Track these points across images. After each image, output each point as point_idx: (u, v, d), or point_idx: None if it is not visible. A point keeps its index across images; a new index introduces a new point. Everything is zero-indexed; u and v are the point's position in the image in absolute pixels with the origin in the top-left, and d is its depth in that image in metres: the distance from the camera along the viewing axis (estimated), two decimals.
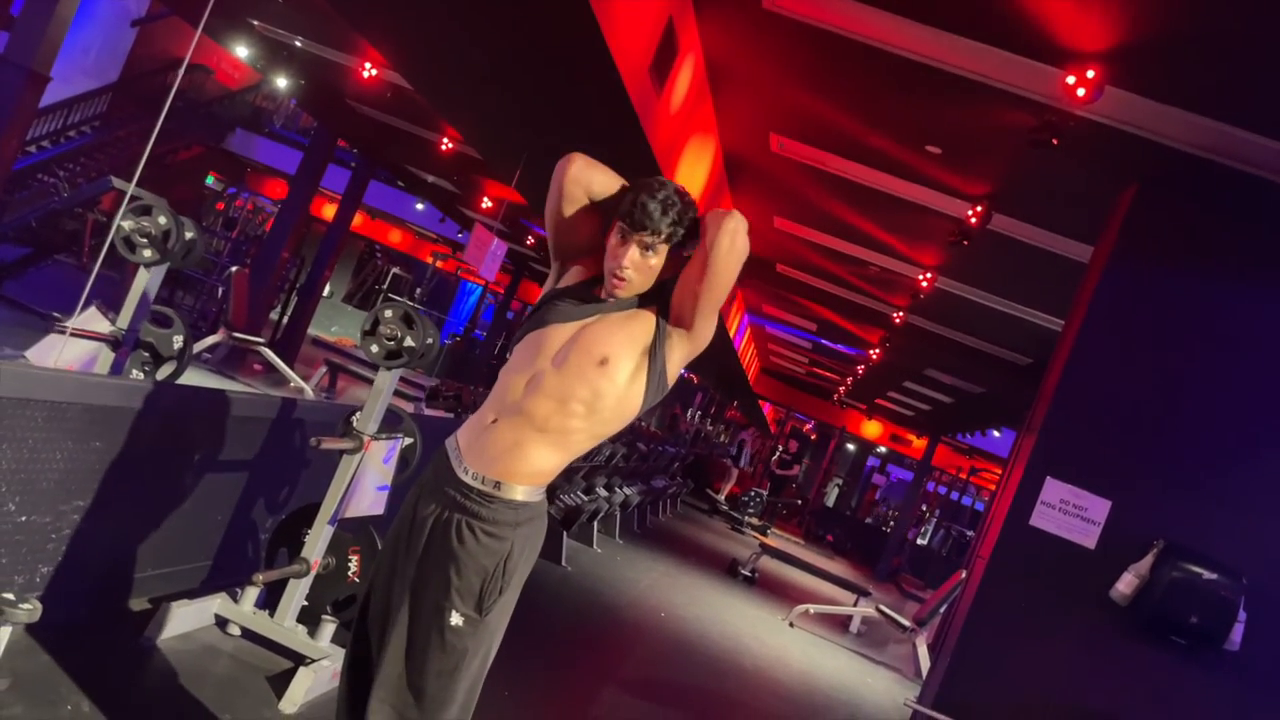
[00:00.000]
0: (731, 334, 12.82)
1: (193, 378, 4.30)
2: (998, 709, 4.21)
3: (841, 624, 9.67)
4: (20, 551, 2.89)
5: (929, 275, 7.54)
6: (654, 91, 4.68)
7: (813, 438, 29.27)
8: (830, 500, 28.34)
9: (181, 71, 4.50)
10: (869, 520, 25.40)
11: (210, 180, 21.34)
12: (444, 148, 9.80)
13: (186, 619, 3.45)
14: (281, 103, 19.35)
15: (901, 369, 13.11)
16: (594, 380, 2.13)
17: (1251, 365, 4.47)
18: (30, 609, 2.68)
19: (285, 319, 13.56)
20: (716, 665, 6.32)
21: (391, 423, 3.85)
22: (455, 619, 2.12)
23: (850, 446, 29.44)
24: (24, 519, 2.86)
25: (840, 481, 30.14)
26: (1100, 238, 4.87)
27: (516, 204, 10.23)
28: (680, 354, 2.20)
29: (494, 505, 2.14)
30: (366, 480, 3.58)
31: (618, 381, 2.14)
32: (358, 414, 3.63)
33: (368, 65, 8.06)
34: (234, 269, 11.11)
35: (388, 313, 3.58)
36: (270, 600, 3.61)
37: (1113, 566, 4.30)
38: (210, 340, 9.90)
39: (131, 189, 3.70)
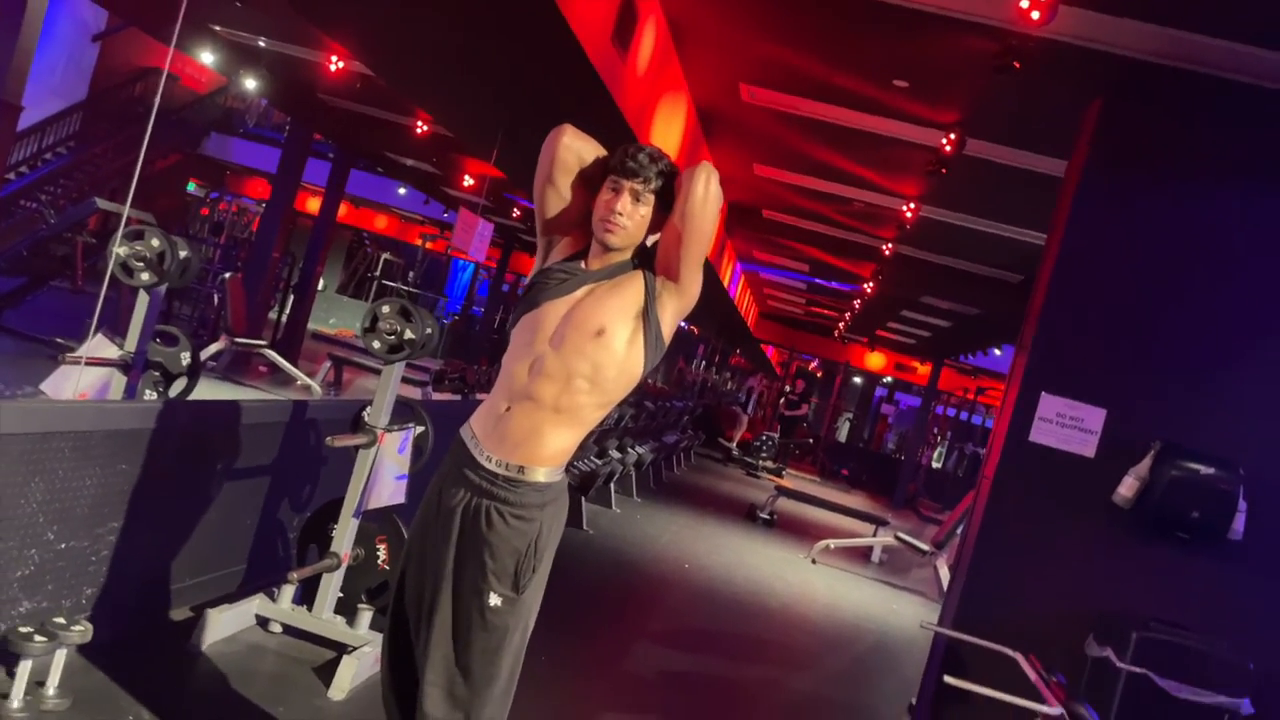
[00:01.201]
0: (726, 284, 12.89)
1: (201, 387, 4.41)
2: (1015, 621, 4.35)
3: (863, 555, 9.85)
4: (64, 576, 3.03)
5: (912, 206, 7.61)
6: (619, 58, 4.73)
7: (818, 375, 29.45)
8: (842, 435, 28.58)
9: (162, 83, 4.55)
10: (892, 448, 25.62)
11: (191, 187, 21.31)
12: (419, 131, 9.82)
13: (229, 622, 3.60)
14: (252, 102, 19.27)
15: (897, 299, 13.20)
16: (593, 354, 2.22)
17: (1230, 264, 4.56)
18: (81, 630, 2.84)
19: (284, 318, 13.66)
20: (743, 609, 6.50)
21: (402, 413, 3.96)
22: (494, 599, 2.23)
23: (857, 380, 29.58)
24: (63, 546, 3.00)
25: (850, 415, 30.36)
26: (1072, 153, 4.93)
27: (498, 180, 10.26)
28: (673, 310, 2.28)
29: (520, 489, 2.24)
30: (384, 472, 3.71)
31: (616, 350, 2.23)
32: (368, 409, 3.74)
33: (334, 59, 8.08)
34: (227, 275, 11.18)
35: (385, 308, 3.68)
36: (306, 595, 3.75)
37: (1113, 472, 4.41)
38: (213, 348, 10.07)
39: (126, 210, 3.80)
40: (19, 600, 2.87)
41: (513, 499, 2.24)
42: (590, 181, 2.28)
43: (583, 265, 2.31)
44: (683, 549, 7.86)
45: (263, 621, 3.75)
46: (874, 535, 10.02)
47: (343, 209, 19.96)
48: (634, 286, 2.27)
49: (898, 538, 9.52)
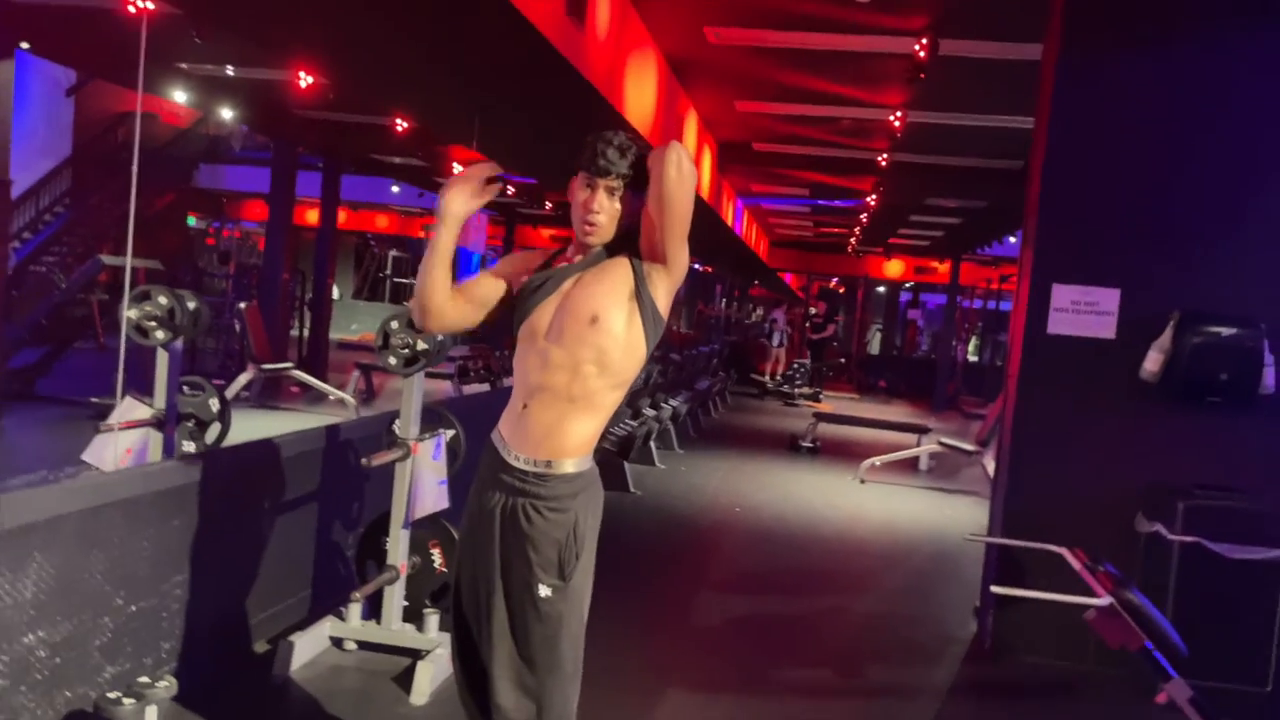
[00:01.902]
0: (730, 222, 12.85)
1: (239, 419, 4.54)
2: (1063, 513, 4.39)
3: (911, 466, 9.91)
4: (141, 636, 3.16)
5: (899, 114, 7.53)
6: (576, 29, 4.71)
7: (840, 290, 29.29)
8: (874, 347, 28.48)
9: (136, 129, 4.61)
10: (927, 349, 25.51)
11: (192, 221, 21.46)
12: (399, 129, 9.83)
13: (305, 648, 3.74)
14: (234, 128, 19.28)
15: (903, 206, 13.09)
16: (592, 339, 2.27)
17: (1226, 114, 4.49)
18: (166, 685, 2.97)
19: (305, 335, 13.81)
20: (798, 542, 6.60)
21: (431, 420, 4.05)
22: (544, 590, 2.31)
23: (881, 289, 29.39)
24: (134, 608, 3.13)
25: (879, 326, 30.23)
26: (1046, 33, 4.86)
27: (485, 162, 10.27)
28: (664, 288, 2.33)
29: (550, 482, 2.31)
30: (424, 480, 3.81)
31: (615, 333, 2.28)
32: (398, 422, 3.83)
33: (302, 74, 8.08)
34: (242, 305, 11.32)
35: (394, 323, 3.76)
36: (373, 609, 3.88)
37: (1137, 349, 4.41)
38: (243, 379, 10.24)
39: (129, 263, 3.88)
40: (102, 668, 3.01)
41: (545, 493, 2.31)
42: (496, 286, 2.43)
43: (562, 263, 2.37)
44: (731, 493, 7.97)
45: (337, 641, 3.89)
46: (918, 445, 10.07)
47: (343, 216, 20.00)
48: (620, 270, 2.31)
49: (941, 443, 9.57)
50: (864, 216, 13.93)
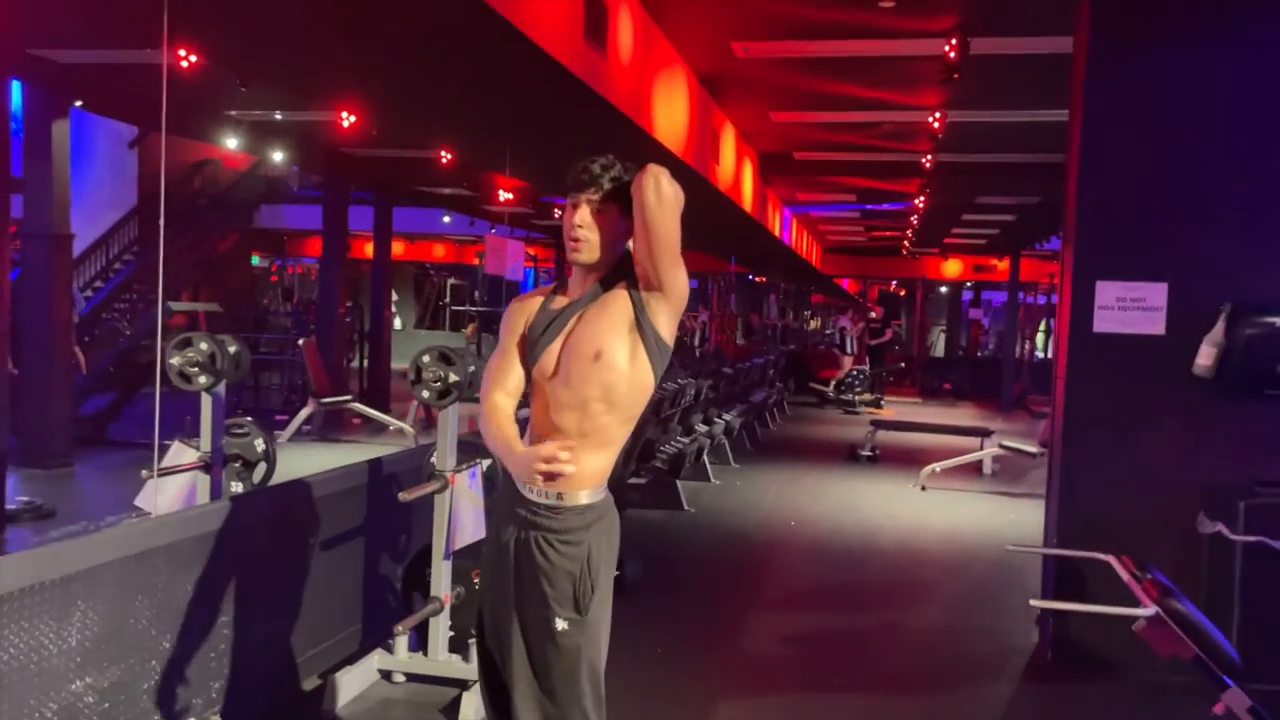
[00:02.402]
0: (776, 231, 12.78)
1: (300, 451, 4.64)
2: (1120, 517, 4.25)
3: (975, 471, 9.71)
4: (190, 678, 3.23)
5: (938, 115, 7.43)
6: (598, 54, 4.74)
7: (901, 294, 28.90)
8: (938, 349, 28.02)
9: (162, 185, 4.77)
10: (993, 349, 25.02)
11: (256, 260, 22.04)
12: (444, 160, 9.99)
13: (354, 682, 3.79)
14: (289, 169, 19.79)
15: (953, 206, 12.90)
16: (597, 376, 2.27)
17: (1261, 103, 4.35)
18: None
19: (365, 366, 14.05)
20: (856, 555, 6.50)
21: (468, 451, 4.08)
22: (560, 624, 2.30)
23: (942, 289, 28.94)
24: (181, 651, 3.19)
25: (943, 326, 29.73)
26: (1076, 26, 4.75)
27: (527, 188, 10.38)
28: (665, 315, 2.30)
29: (563, 515, 2.30)
30: (463, 511, 3.84)
31: (619, 367, 2.27)
32: (435, 454, 3.87)
33: (345, 114, 8.26)
34: (301, 341, 11.57)
35: (425, 358, 3.81)
36: (420, 640, 3.92)
37: (1188, 344, 4.27)
38: (304, 414, 10.44)
39: (159, 309, 3.97)
40: (151, 713, 3.08)
41: (557, 525, 2.30)
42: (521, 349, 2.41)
43: (564, 298, 2.37)
44: (786, 507, 7.89)
45: (386, 674, 3.94)
46: (981, 448, 9.86)
47: (401, 247, 20.37)
48: (619, 304, 2.30)
49: (1003, 445, 9.37)
50: (914, 219, 13.75)
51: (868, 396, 16.49)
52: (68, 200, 8.17)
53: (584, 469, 2.31)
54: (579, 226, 2.29)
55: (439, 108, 5.91)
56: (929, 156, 9.29)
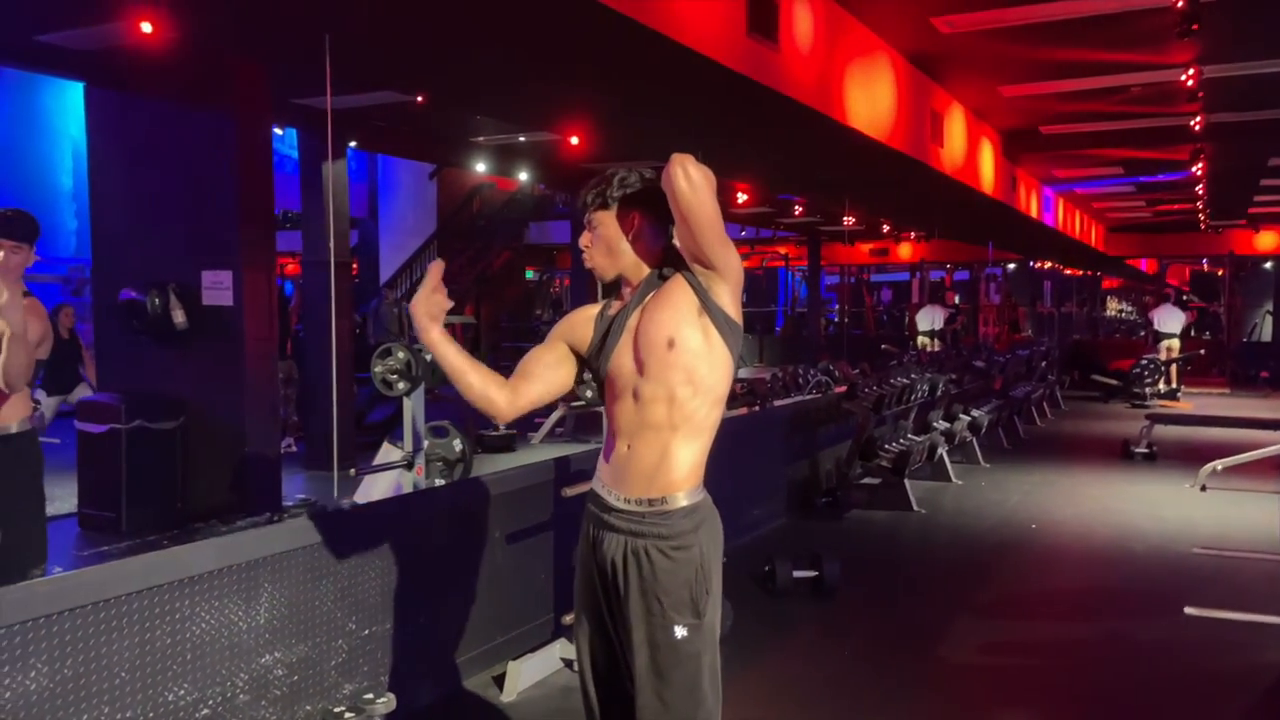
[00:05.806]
0: (1032, 212, 11.92)
1: (541, 450, 4.89)
2: None
3: (1272, 467, 8.55)
4: (376, 657, 3.54)
5: (1190, 71, 6.65)
6: (769, 49, 4.68)
7: (1220, 274, 25.84)
8: (1262, 332, 24.79)
9: (330, 209, 5.27)
10: None
11: (530, 274, 23.53)
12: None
13: (535, 670, 3.99)
14: (535, 186, 20.98)
15: (1243, 170, 11.41)
16: (676, 360, 2.24)
17: None
18: (385, 701, 3.32)
19: None
20: (1098, 561, 5.98)
21: None
22: (680, 632, 2.25)
23: (1267, 265, 25.57)
24: (366, 632, 3.51)
25: (1270, 309, 26.24)
26: None
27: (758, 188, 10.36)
28: (726, 292, 2.26)
29: (669, 519, 2.27)
30: None
31: (695, 349, 2.25)
32: None
33: (572, 138, 8.67)
34: None
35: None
36: None
37: None
38: (554, 416, 11.04)
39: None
40: (340, 685, 3.41)
41: (664, 531, 2.27)
42: (554, 350, 2.46)
43: (619, 303, 2.39)
44: (1031, 508, 7.36)
45: (568, 662, 4.10)
46: None
47: None
48: (680, 290, 2.28)
49: None
50: (1199, 189, 12.31)
51: (1161, 389, 14.91)
52: (346, 231, 9.16)
53: (678, 464, 2.28)
54: (585, 249, 2.38)
55: (629, 124, 6.09)
56: (1198, 118, 8.33)
